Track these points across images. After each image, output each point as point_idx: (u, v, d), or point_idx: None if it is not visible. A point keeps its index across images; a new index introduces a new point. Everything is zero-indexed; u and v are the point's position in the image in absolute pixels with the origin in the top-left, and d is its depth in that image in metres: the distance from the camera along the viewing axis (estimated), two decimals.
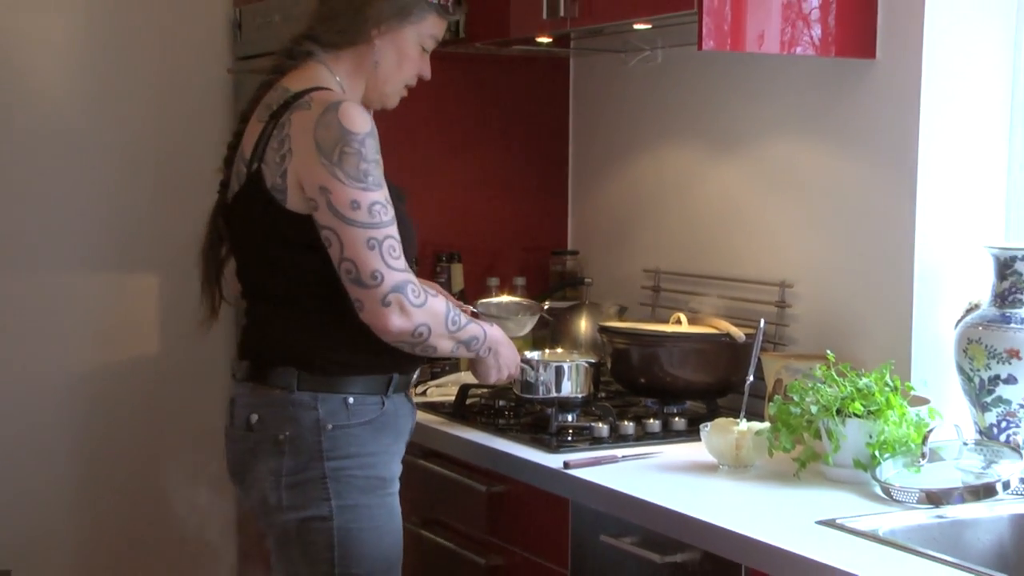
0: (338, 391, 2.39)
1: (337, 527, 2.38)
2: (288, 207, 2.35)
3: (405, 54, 2.51)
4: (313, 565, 2.41)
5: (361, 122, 2.34)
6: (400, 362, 2.45)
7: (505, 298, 3.08)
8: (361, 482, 2.40)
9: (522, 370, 2.69)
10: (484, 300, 3.00)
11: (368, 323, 2.32)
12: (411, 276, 2.34)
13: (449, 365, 3.23)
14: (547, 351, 3.01)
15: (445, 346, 2.40)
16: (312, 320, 2.41)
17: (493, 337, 2.51)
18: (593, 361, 2.85)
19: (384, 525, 2.44)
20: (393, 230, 2.32)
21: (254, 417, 2.41)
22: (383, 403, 2.44)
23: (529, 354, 2.86)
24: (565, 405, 2.78)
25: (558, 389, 2.77)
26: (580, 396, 2.80)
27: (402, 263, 2.32)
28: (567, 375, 2.78)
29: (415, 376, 2.56)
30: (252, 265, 2.49)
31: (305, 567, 2.42)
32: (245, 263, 2.50)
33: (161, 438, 3.94)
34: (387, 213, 2.32)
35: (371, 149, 2.33)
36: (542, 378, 2.77)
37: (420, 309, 2.32)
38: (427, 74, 2.58)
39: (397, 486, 2.49)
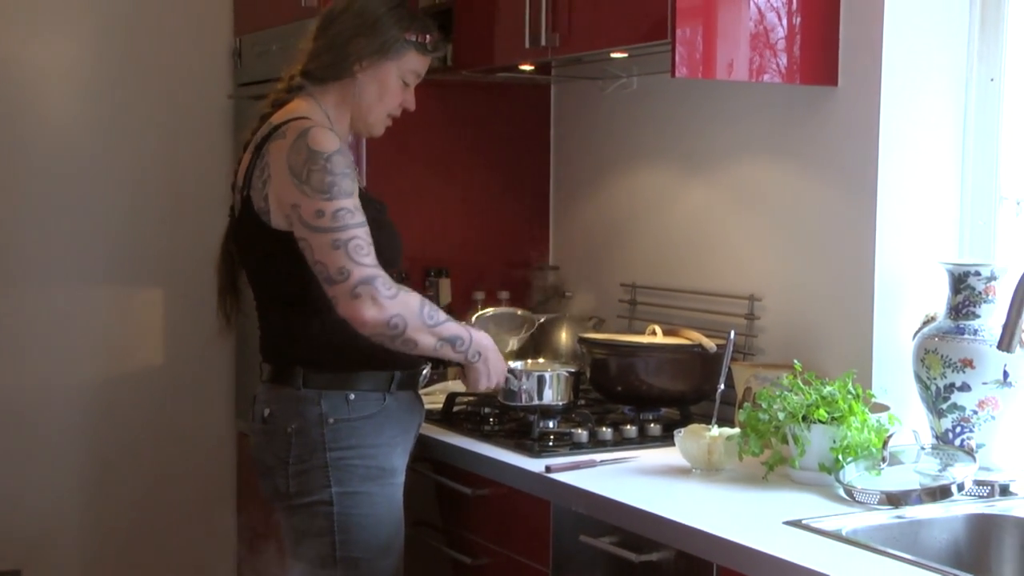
0: (341, 388, 2.44)
1: (338, 512, 2.42)
2: (273, 226, 2.40)
3: (386, 87, 2.56)
4: (318, 547, 2.44)
5: (327, 143, 2.38)
6: (399, 360, 2.46)
7: (502, 309, 3.03)
8: (362, 471, 2.44)
9: (506, 379, 2.69)
10: (479, 313, 2.98)
11: (346, 317, 2.33)
12: (380, 272, 2.33)
13: (438, 375, 3.21)
14: (529, 361, 3.00)
15: (426, 341, 2.38)
16: (314, 324, 2.44)
17: (480, 342, 2.48)
18: (573, 370, 2.83)
19: (384, 513, 2.47)
20: (360, 232, 2.33)
21: (267, 411, 2.48)
22: (385, 399, 2.47)
23: (512, 364, 2.84)
24: (547, 412, 2.77)
25: (540, 397, 2.76)
26: (561, 404, 2.78)
27: (370, 260, 2.32)
28: (548, 384, 2.76)
29: (423, 375, 2.58)
30: (256, 278, 2.53)
31: (311, 549, 2.45)
32: (250, 276, 2.55)
33: (166, 445, 3.92)
34: (353, 218, 2.33)
35: (337, 164, 2.36)
36: (525, 387, 2.75)
37: (392, 300, 2.32)
38: (411, 106, 2.62)
39: (401, 478, 2.52)
